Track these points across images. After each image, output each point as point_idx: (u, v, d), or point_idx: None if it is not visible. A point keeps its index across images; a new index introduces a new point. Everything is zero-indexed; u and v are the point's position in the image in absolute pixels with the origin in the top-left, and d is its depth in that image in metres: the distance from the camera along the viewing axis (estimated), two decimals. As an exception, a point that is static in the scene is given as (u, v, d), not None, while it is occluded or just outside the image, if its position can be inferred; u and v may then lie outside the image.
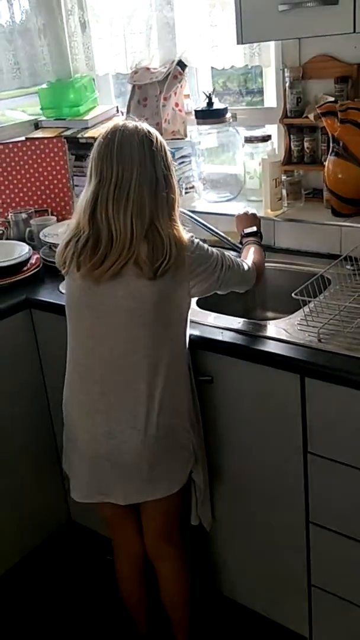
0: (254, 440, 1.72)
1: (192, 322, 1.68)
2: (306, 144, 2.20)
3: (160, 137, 1.55)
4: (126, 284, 1.50)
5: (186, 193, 2.44)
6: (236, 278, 1.69)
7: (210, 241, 1.91)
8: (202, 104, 2.34)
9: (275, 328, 1.69)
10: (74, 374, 1.64)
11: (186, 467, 1.67)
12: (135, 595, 1.88)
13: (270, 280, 2.06)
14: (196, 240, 1.57)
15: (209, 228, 2.06)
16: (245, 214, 2.03)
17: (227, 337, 1.69)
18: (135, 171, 1.49)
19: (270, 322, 1.76)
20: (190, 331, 1.66)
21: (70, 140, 2.53)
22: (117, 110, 2.67)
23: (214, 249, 1.62)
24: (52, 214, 2.49)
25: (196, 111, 2.35)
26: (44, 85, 2.68)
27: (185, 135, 2.47)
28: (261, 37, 1.92)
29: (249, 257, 1.81)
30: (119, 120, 1.59)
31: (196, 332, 1.70)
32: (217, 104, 2.32)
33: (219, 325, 1.74)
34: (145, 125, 1.54)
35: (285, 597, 1.86)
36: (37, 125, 2.72)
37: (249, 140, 2.29)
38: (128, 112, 2.49)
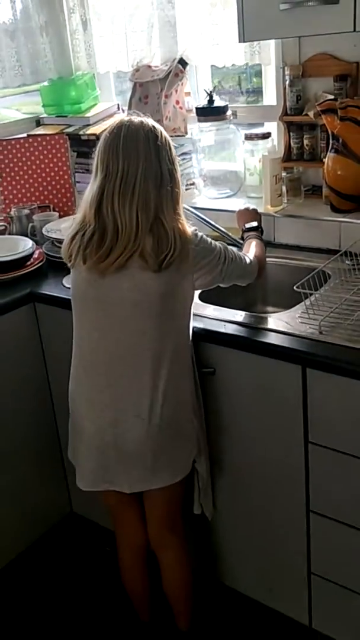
0: (255, 430, 1.75)
1: (195, 315, 1.71)
2: (306, 142, 2.24)
3: (164, 132, 1.58)
4: (131, 277, 1.53)
5: (187, 189, 2.47)
6: (238, 271, 1.72)
7: (212, 237, 1.93)
8: (203, 102, 2.37)
9: (277, 321, 1.72)
10: (79, 366, 1.67)
11: (189, 457, 1.70)
12: (138, 584, 1.91)
13: (271, 275, 2.09)
14: (200, 234, 1.60)
15: (210, 224, 2.09)
16: (246, 209, 2.06)
17: (229, 329, 1.72)
18: (141, 165, 1.51)
19: (272, 314, 1.79)
20: (193, 324, 1.69)
21: (72, 137, 2.56)
22: (118, 108, 2.70)
23: (217, 243, 1.65)
24: (54, 210, 2.52)
25: (197, 108, 2.39)
26: (46, 83, 2.71)
27: (186, 133, 2.50)
28: (263, 36, 1.95)
29: (250, 251, 1.84)
30: (125, 115, 1.61)
31: (199, 325, 1.73)
32: (218, 102, 2.36)
33: (222, 318, 1.77)
34: (150, 121, 1.57)
35: (286, 586, 1.89)
36: (38, 123, 2.75)
37: (249, 137, 2.33)
38: (129, 109, 2.51)
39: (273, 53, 2.23)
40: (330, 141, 2.05)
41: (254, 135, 2.31)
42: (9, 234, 2.42)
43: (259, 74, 2.61)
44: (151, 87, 2.48)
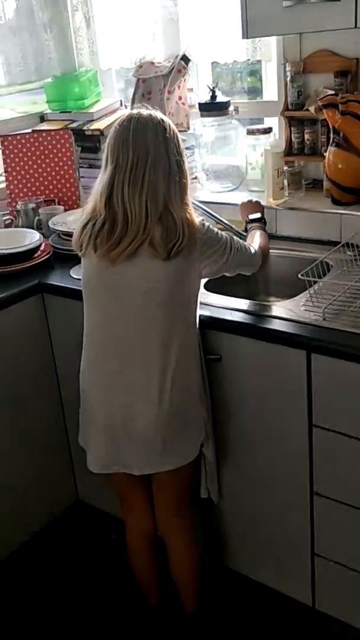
0: (260, 415, 1.80)
1: (201, 303, 1.75)
2: (306, 136, 2.29)
3: (172, 125, 1.63)
4: (141, 265, 1.57)
5: (189, 184, 2.51)
6: (244, 261, 1.77)
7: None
8: (206, 97, 2.42)
9: (281, 308, 1.77)
10: (90, 353, 1.72)
11: (197, 441, 1.75)
12: (147, 568, 1.95)
13: (273, 266, 2.14)
14: (207, 224, 1.65)
15: (214, 216, 2.14)
16: (249, 201, 2.11)
17: (235, 317, 1.77)
18: (150, 157, 1.56)
19: (276, 303, 1.84)
20: (199, 312, 1.73)
21: (76, 132, 2.60)
22: (121, 104, 2.74)
23: (223, 233, 1.70)
24: (59, 204, 2.56)
25: (200, 104, 2.43)
26: (50, 80, 2.75)
27: (189, 128, 2.55)
28: (266, 32, 2.00)
29: (255, 241, 1.89)
30: (134, 108, 1.65)
31: (205, 313, 1.78)
32: (220, 97, 2.40)
33: (227, 306, 1.82)
34: (158, 114, 1.62)
35: (290, 568, 1.94)
36: (42, 118, 2.79)
37: (251, 132, 2.37)
38: (132, 105, 2.56)
39: (274, 49, 2.28)
40: (331, 135, 2.11)
41: (256, 130, 2.36)
42: (15, 227, 2.46)
43: (253, 73, 2.67)
44: (154, 83, 2.52)
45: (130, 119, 1.59)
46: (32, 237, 2.23)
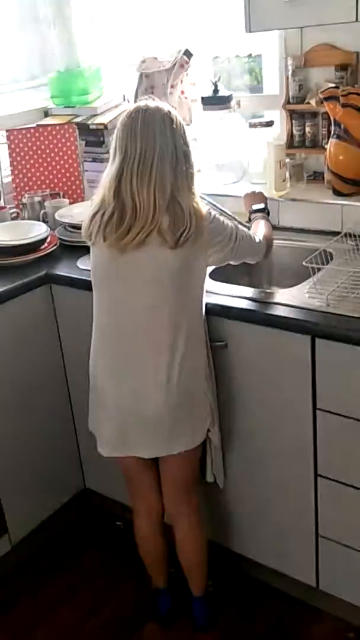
0: (265, 399, 1.85)
1: (207, 291, 1.79)
2: (307, 129, 2.33)
3: (179, 116, 1.67)
4: (150, 253, 1.61)
5: (192, 176, 2.56)
6: (249, 249, 1.81)
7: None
8: (208, 91, 2.46)
9: (285, 295, 1.82)
10: (100, 339, 1.76)
11: (205, 425, 1.79)
12: (155, 552, 1.99)
13: (276, 256, 2.18)
14: (213, 212, 1.69)
15: (218, 207, 2.17)
16: (253, 192, 2.15)
17: (240, 304, 1.81)
18: (158, 148, 1.60)
19: (280, 290, 1.89)
20: (205, 299, 1.78)
21: (80, 126, 2.63)
22: (124, 98, 2.78)
23: (229, 222, 1.74)
24: (64, 197, 2.60)
25: (202, 98, 2.48)
26: (53, 74, 2.79)
27: (191, 122, 2.59)
28: (268, 26, 2.04)
29: (259, 230, 1.94)
30: (141, 100, 1.69)
31: (211, 300, 1.82)
32: (223, 91, 2.45)
33: (232, 294, 1.86)
34: (165, 105, 1.66)
35: (294, 550, 1.99)
36: (46, 113, 2.83)
37: (253, 125, 2.42)
38: (135, 99, 2.60)
39: (276, 44, 2.32)
40: (332, 127, 2.15)
41: (258, 123, 2.41)
42: (21, 220, 2.50)
43: (249, 71, 2.72)
44: (157, 78, 2.56)
45: (138, 110, 1.63)
46: (40, 229, 2.27)
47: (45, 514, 2.36)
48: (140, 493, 1.93)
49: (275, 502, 1.97)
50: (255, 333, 1.78)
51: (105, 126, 2.60)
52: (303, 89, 2.29)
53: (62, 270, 2.17)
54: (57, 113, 2.78)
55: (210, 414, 1.80)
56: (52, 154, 2.61)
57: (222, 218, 1.72)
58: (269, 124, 2.40)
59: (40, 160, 2.61)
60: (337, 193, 2.21)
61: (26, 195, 2.53)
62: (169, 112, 1.64)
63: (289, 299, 1.79)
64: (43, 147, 2.60)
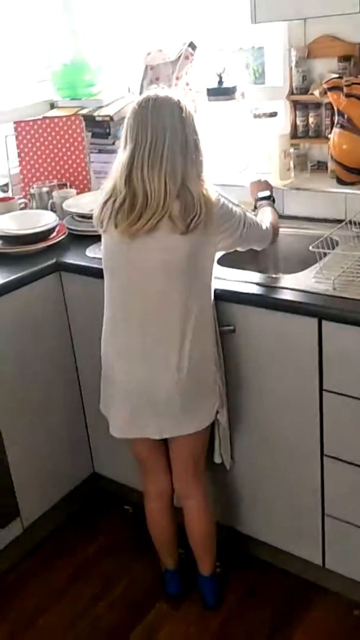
0: (272, 381, 1.89)
1: (215, 277, 1.84)
2: (311, 119, 2.37)
3: (188, 105, 1.71)
4: (161, 238, 1.66)
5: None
6: (256, 236, 1.85)
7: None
8: (213, 82, 2.50)
9: (292, 280, 1.86)
10: (111, 324, 1.80)
11: (213, 407, 1.84)
12: (166, 533, 2.04)
13: (281, 244, 2.23)
14: (222, 199, 1.73)
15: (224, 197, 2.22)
16: (259, 180, 2.20)
17: (248, 289, 1.86)
18: (168, 136, 1.64)
19: (286, 275, 1.93)
20: (214, 285, 1.82)
21: (87, 118, 2.67)
22: (129, 90, 2.82)
23: (237, 208, 1.79)
24: (71, 188, 2.64)
25: (207, 89, 2.51)
26: (59, 67, 2.83)
27: (196, 112, 2.62)
28: (273, 17, 2.07)
29: (265, 217, 1.98)
30: (151, 90, 1.73)
31: (219, 286, 1.87)
32: (227, 82, 2.49)
33: (240, 279, 1.91)
34: (175, 95, 1.70)
35: (301, 529, 2.04)
36: (52, 106, 2.86)
37: (257, 116, 2.45)
38: (141, 91, 2.64)
39: (281, 35, 2.36)
40: (336, 117, 2.19)
41: (262, 113, 2.44)
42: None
43: (246, 66, 2.74)
44: (162, 70, 2.60)
45: (149, 99, 1.67)
46: (49, 218, 2.31)
47: (56, 498, 2.41)
48: (151, 476, 1.97)
49: (281, 483, 2.01)
50: (263, 317, 1.83)
51: (111, 118, 2.64)
52: (306, 80, 2.33)
53: (72, 258, 2.21)
54: (63, 105, 2.82)
55: (219, 397, 1.85)
56: (59, 145, 2.65)
57: (230, 205, 1.76)
58: (273, 114, 2.43)
59: (47, 152, 2.65)
60: (341, 182, 2.25)
61: (34, 186, 2.57)
62: (179, 101, 1.68)
63: (296, 283, 1.83)
64: (50, 138, 2.64)
